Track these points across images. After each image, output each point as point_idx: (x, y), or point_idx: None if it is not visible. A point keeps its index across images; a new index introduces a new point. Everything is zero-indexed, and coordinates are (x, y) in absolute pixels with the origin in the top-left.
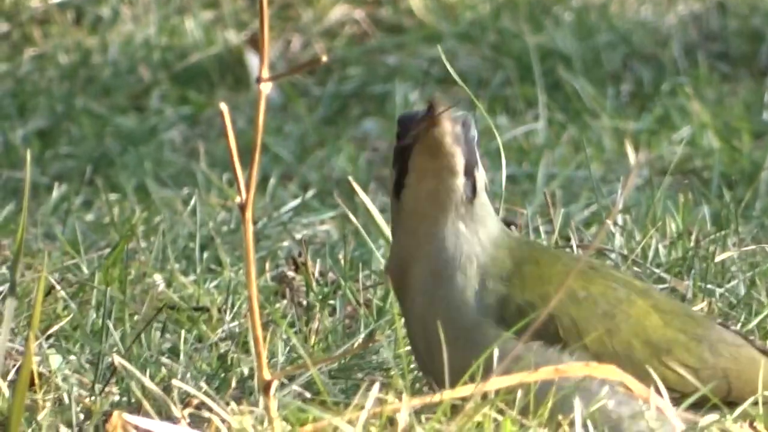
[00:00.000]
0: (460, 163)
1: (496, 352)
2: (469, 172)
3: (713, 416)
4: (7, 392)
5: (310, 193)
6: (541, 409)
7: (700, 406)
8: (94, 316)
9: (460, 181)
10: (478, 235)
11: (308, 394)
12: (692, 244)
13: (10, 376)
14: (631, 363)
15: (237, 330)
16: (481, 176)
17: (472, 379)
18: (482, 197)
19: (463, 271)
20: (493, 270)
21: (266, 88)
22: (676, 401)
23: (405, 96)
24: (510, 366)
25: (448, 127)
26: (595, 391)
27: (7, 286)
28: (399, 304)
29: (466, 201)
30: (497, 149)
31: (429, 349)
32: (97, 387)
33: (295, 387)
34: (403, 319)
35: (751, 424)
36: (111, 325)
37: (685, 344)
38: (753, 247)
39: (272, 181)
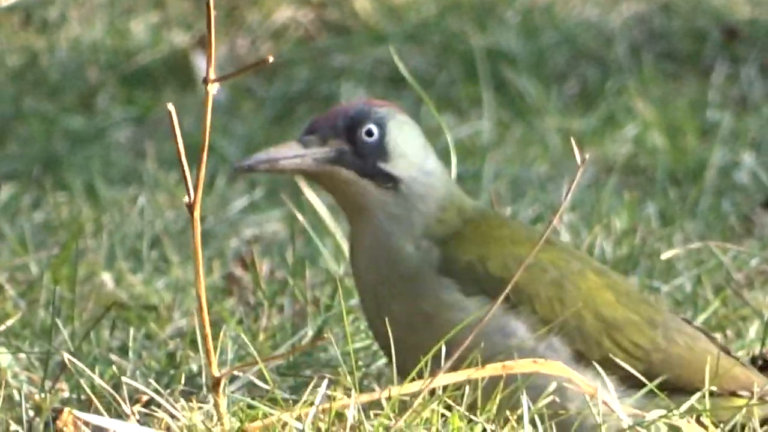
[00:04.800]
0: (345, 176)
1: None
2: (371, 170)
3: (660, 411)
4: None
5: (258, 192)
6: (489, 404)
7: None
8: (43, 314)
9: (363, 184)
10: (416, 207)
11: (257, 391)
12: (638, 241)
13: None
14: (581, 334)
15: (185, 328)
16: (398, 162)
17: (420, 375)
18: (408, 177)
19: (403, 237)
20: (437, 232)
21: (213, 89)
22: (623, 383)
23: (351, 96)
24: (454, 317)
25: (292, 165)
26: (543, 387)
27: None
28: (354, 279)
29: (387, 190)
30: (445, 148)
31: (379, 313)
32: (47, 384)
33: (244, 384)
34: (357, 299)
35: (697, 419)
36: (60, 323)
37: (638, 325)
38: (699, 244)
39: (220, 180)
